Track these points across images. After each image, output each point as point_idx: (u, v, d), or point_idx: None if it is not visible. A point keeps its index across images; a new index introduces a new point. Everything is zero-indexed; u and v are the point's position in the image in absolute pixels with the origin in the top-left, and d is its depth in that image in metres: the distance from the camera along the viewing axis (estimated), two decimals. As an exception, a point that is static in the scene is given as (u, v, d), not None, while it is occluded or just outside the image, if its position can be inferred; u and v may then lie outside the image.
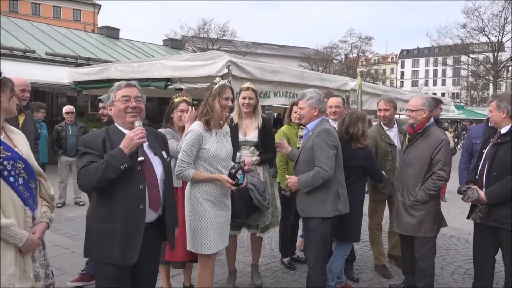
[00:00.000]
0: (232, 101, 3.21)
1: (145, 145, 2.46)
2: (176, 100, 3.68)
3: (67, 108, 7.70)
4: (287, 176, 3.66)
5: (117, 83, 2.56)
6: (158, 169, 2.49)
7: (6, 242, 2.01)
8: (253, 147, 3.90)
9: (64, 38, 16.58)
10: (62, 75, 10.44)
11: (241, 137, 3.87)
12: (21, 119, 3.76)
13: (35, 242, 2.15)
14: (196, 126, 3.12)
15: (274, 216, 4.07)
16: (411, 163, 3.69)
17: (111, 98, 2.50)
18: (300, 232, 5.11)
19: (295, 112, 4.55)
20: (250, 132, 3.90)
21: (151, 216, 2.46)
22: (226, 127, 3.33)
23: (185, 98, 3.68)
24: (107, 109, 2.57)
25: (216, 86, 3.14)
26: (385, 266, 4.61)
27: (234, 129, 3.79)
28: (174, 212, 2.65)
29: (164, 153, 2.58)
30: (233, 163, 3.25)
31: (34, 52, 13.17)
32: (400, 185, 3.77)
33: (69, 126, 7.55)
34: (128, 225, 2.34)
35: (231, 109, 3.30)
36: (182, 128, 3.58)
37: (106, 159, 2.26)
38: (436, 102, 5.40)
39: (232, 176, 3.08)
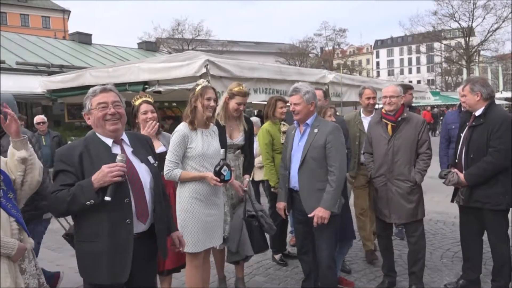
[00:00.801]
0: (215, 101, 3.23)
1: (129, 152, 2.35)
2: (136, 102, 3.46)
3: (38, 118, 7.48)
4: (316, 213, 3.22)
5: (91, 89, 2.36)
6: (146, 177, 2.34)
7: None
8: (239, 150, 3.81)
9: (35, 46, 16.19)
10: (35, 85, 10.18)
11: (228, 140, 3.73)
12: None
13: (23, 248, 2.11)
14: (181, 127, 3.22)
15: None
16: (400, 150, 3.69)
17: (87, 106, 2.31)
18: (289, 228, 5.11)
19: (281, 108, 4.53)
20: (237, 135, 3.80)
21: (140, 227, 2.31)
22: (214, 127, 3.37)
23: (144, 98, 3.49)
24: (85, 118, 2.37)
25: (199, 87, 3.22)
26: (372, 252, 4.71)
27: (223, 131, 3.67)
28: (163, 220, 2.45)
29: (150, 158, 2.43)
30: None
31: (3, 62, 12.81)
32: (389, 175, 3.72)
33: (42, 136, 7.32)
34: (115, 241, 2.18)
35: (214, 109, 3.27)
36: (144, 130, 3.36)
37: (74, 192, 2.10)
38: (405, 88, 5.50)
39: (216, 173, 3.08)
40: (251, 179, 3.95)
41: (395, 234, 5.15)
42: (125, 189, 2.23)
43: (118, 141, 2.34)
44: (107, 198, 2.10)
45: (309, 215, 3.26)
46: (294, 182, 3.41)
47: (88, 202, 2.09)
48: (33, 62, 13.67)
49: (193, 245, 3.15)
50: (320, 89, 4.79)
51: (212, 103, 3.21)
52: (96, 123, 2.30)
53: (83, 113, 2.37)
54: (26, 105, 13.82)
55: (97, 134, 2.33)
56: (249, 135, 3.90)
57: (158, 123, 3.41)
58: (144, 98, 3.48)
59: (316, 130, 3.33)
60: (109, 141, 2.31)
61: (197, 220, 3.16)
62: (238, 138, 3.79)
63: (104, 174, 2.10)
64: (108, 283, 2.20)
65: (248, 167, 3.89)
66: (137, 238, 2.27)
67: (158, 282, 3.49)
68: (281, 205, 3.57)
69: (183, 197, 3.19)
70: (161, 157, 3.22)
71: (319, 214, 3.21)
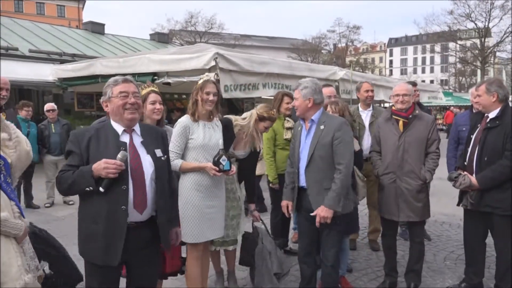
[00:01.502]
0: (214, 95, 3.22)
1: (138, 141, 2.42)
2: (144, 91, 3.34)
3: (48, 105, 7.51)
4: (318, 212, 3.15)
5: (113, 78, 2.45)
6: (149, 169, 2.38)
7: (7, 235, 2.01)
8: (237, 162, 3.73)
9: (48, 34, 16.31)
10: (46, 72, 10.29)
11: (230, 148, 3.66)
12: (2, 118, 3.65)
13: (27, 230, 2.15)
14: (183, 118, 3.26)
15: (232, 234, 3.72)
16: (411, 147, 3.65)
17: (108, 94, 2.40)
18: (292, 225, 5.10)
19: (287, 103, 4.50)
20: (240, 149, 3.73)
21: (137, 216, 2.36)
22: (218, 121, 3.38)
23: (152, 88, 3.38)
24: (103, 106, 2.46)
25: (200, 81, 3.23)
26: (375, 241, 4.94)
27: (230, 128, 3.62)
28: (167, 213, 2.50)
29: (158, 151, 2.46)
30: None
31: (17, 49, 12.94)
32: (399, 173, 3.67)
33: (52, 124, 7.36)
34: (110, 225, 2.28)
35: (215, 103, 3.25)
36: (157, 122, 3.30)
37: (76, 176, 2.24)
38: None
39: (215, 163, 3.09)
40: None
41: (400, 235, 5.12)
42: (125, 176, 2.29)
43: (128, 130, 2.42)
44: (101, 189, 2.22)
45: (311, 214, 3.20)
46: (303, 180, 3.33)
47: (87, 188, 2.22)
48: (45, 50, 13.79)
49: (193, 236, 3.19)
50: (331, 86, 4.75)
51: (211, 97, 3.20)
52: (116, 111, 2.38)
53: (101, 101, 2.46)
54: (37, 92, 13.98)
55: (112, 121, 2.42)
56: (254, 160, 3.83)
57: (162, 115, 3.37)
58: (152, 88, 3.38)
59: (322, 127, 3.23)
60: (120, 129, 2.39)
61: (197, 211, 3.19)
62: (240, 151, 3.69)
63: (101, 168, 2.20)
64: (100, 264, 2.32)
65: (249, 193, 3.86)
66: (135, 226, 2.34)
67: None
68: (285, 203, 3.49)
69: (184, 188, 3.22)
70: None
71: (322, 213, 3.11)
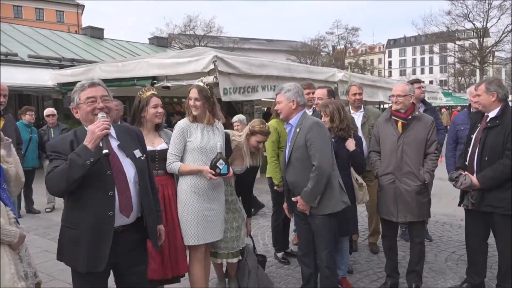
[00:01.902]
0: (197, 100, 3.21)
1: (115, 145, 2.37)
2: (145, 95, 3.30)
3: (48, 110, 7.54)
4: (298, 201, 3.28)
5: (79, 84, 2.37)
6: (130, 171, 2.36)
7: (2, 241, 2.00)
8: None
9: (47, 40, 16.33)
10: (46, 78, 10.29)
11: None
12: (1, 123, 3.67)
13: (23, 237, 2.14)
14: (181, 121, 3.29)
15: (236, 245, 3.65)
16: (410, 148, 3.65)
17: (75, 100, 2.33)
18: (293, 226, 5.09)
19: None
20: (238, 165, 3.64)
21: (124, 220, 2.34)
22: (219, 125, 3.39)
23: (152, 91, 3.35)
24: (73, 112, 2.39)
25: (193, 85, 3.28)
26: (375, 244, 4.93)
27: (228, 141, 3.59)
28: (153, 212, 2.51)
29: (137, 152, 2.44)
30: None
31: (16, 55, 12.94)
32: (398, 174, 3.68)
33: (51, 129, 7.40)
34: (96, 232, 2.23)
35: (198, 108, 3.23)
36: (153, 127, 3.29)
37: (70, 158, 2.12)
38: (411, 84, 5.43)
39: (212, 166, 3.10)
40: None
41: (400, 236, 5.11)
42: (110, 182, 2.26)
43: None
44: (105, 151, 2.13)
45: (293, 199, 3.32)
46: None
47: (88, 161, 2.11)
48: (45, 56, 13.79)
49: (193, 237, 3.19)
50: (325, 88, 4.76)
51: (191, 102, 3.22)
52: (85, 117, 2.33)
53: (71, 107, 2.39)
54: (37, 98, 13.98)
55: (85, 128, 2.33)
56: (252, 176, 3.79)
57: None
58: (153, 91, 3.35)
59: (298, 130, 3.29)
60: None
61: (195, 214, 3.19)
62: (237, 168, 3.60)
63: (92, 131, 2.14)
64: (84, 271, 2.24)
65: (246, 208, 3.80)
66: (122, 230, 2.33)
67: None
68: (285, 205, 3.61)
69: (182, 190, 3.23)
70: (161, 154, 3.23)
71: (299, 205, 3.27)
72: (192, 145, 3.21)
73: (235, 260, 3.67)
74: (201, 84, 3.30)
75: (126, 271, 2.44)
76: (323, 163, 3.15)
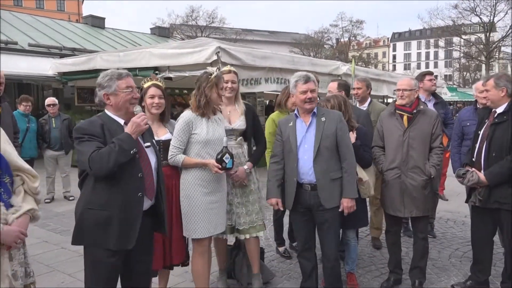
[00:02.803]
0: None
1: None
2: (145, 85, 3.31)
3: (49, 100, 7.49)
4: (344, 205, 3.21)
5: (114, 71, 2.49)
6: (152, 158, 2.58)
7: None
8: (240, 137, 3.67)
9: (48, 28, 16.28)
10: (46, 67, 10.27)
11: (227, 125, 3.59)
12: None
13: (12, 232, 2.05)
14: (186, 113, 3.26)
15: (256, 218, 3.64)
16: (415, 142, 3.64)
17: (113, 87, 2.44)
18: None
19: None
20: (236, 119, 3.66)
21: (145, 204, 2.53)
22: (219, 115, 3.41)
23: (155, 82, 3.33)
24: (104, 98, 2.46)
25: (213, 76, 3.24)
26: (377, 239, 4.95)
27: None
28: (164, 200, 2.70)
29: (153, 141, 2.65)
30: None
31: (16, 43, 12.91)
32: (404, 168, 3.67)
33: (53, 119, 7.34)
34: (127, 212, 2.41)
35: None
36: (157, 117, 3.31)
37: (118, 144, 2.31)
38: (422, 75, 5.38)
39: (218, 160, 3.10)
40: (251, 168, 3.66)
41: (403, 231, 5.09)
42: (139, 165, 2.46)
43: (128, 122, 2.52)
44: (147, 144, 2.51)
45: (340, 210, 3.24)
46: (304, 175, 3.29)
47: (132, 151, 2.37)
48: (45, 44, 13.77)
49: (197, 231, 3.19)
50: (336, 80, 4.71)
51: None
52: (121, 105, 2.47)
53: (103, 93, 2.47)
54: (37, 87, 13.96)
55: (108, 113, 2.49)
56: (252, 120, 3.71)
57: (164, 109, 3.33)
58: (153, 82, 3.33)
59: (323, 119, 3.28)
60: (121, 121, 2.50)
61: (200, 207, 3.19)
62: (237, 122, 3.64)
63: (137, 124, 2.40)
64: (114, 248, 2.40)
65: (255, 154, 3.73)
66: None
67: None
68: (273, 200, 3.41)
69: (186, 183, 3.22)
70: (166, 145, 3.24)
71: (348, 205, 3.22)
72: (197, 138, 3.20)
73: (261, 234, 3.66)
74: (229, 68, 3.45)
75: (135, 259, 2.56)
76: (353, 153, 3.28)
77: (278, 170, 3.41)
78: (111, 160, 2.28)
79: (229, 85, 3.59)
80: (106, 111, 2.52)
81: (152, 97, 3.24)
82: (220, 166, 3.09)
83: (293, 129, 3.35)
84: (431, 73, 5.51)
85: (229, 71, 3.67)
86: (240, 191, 3.59)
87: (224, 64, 6.38)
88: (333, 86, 4.45)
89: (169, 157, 3.18)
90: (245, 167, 3.56)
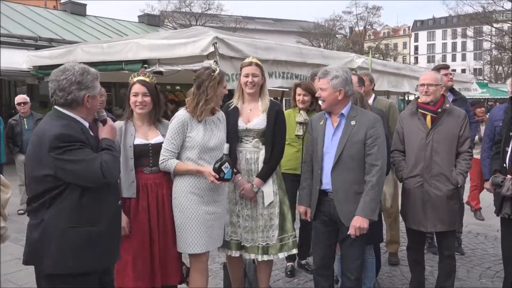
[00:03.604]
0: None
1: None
2: (131, 80, 3.32)
3: (19, 98, 7.48)
4: (353, 224, 3.11)
5: (93, 70, 2.56)
6: None
7: None
8: (257, 139, 3.58)
9: (21, 16, 16.34)
10: (19, 60, 10.29)
11: (241, 124, 3.55)
12: None
13: None
14: (181, 112, 3.25)
15: (286, 235, 3.66)
16: (440, 145, 3.63)
17: (98, 89, 2.57)
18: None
19: (299, 95, 4.50)
20: (254, 118, 3.59)
21: None
22: (220, 114, 3.40)
23: (141, 77, 3.30)
24: (84, 100, 2.50)
25: (216, 73, 3.24)
26: (394, 254, 5.01)
27: (233, 114, 3.58)
28: None
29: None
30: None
31: (-15, 33, 12.98)
32: (427, 176, 3.66)
33: (24, 119, 7.34)
34: (113, 225, 2.55)
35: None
36: (147, 117, 3.31)
37: (115, 149, 2.57)
38: (437, 69, 5.40)
39: (216, 169, 3.09)
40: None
41: (427, 248, 5.09)
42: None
43: (91, 124, 2.67)
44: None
45: (348, 233, 3.14)
46: (326, 183, 3.28)
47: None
48: (18, 34, 13.82)
49: (194, 246, 3.18)
50: (355, 75, 4.73)
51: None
52: (94, 108, 2.59)
53: (85, 94, 2.50)
54: (9, 83, 14.03)
55: (72, 115, 2.50)
56: (274, 119, 3.59)
57: (156, 108, 3.33)
58: (140, 77, 3.31)
59: (353, 122, 3.20)
60: (86, 124, 2.59)
61: (196, 219, 3.18)
62: (253, 121, 3.56)
63: (115, 130, 2.72)
64: (101, 268, 2.57)
65: (267, 168, 3.56)
66: None
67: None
68: (302, 208, 3.49)
69: (179, 191, 3.22)
70: (156, 148, 3.24)
71: (357, 224, 3.09)
72: (192, 141, 3.20)
73: (294, 251, 3.68)
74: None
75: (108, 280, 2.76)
76: (385, 164, 3.19)
77: (308, 173, 3.44)
78: (118, 167, 2.52)
79: (249, 79, 3.54)
80: (66, 111, 2.50)
81: (136, 95, 3.24)
82: (217, 176, 3.08)
83: (323, 130, 3.33)
84: (446, 67, 5.55)
85: (250, 63, 3.60)
86: (251, 202, 3.56)
87: (222, 56, 6.41)
88: (353, 80, 4.45)
89: (160, 162, 3.18)
90: (252, 184, 3.51)
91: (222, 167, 3.09)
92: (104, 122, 2.72)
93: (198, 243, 3.19)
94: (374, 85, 4.99)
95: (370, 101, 4.81)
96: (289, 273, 4.65)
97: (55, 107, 2.50)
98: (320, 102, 3.32)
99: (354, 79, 4.44)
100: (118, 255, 2.67)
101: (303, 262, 4.80)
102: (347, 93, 3.23)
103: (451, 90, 5.36)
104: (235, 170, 3.32)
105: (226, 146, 3.20)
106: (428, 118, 3.72)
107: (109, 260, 2.61)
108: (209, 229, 3.24)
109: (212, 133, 3.26)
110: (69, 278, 2.41)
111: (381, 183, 3.17)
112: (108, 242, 2.53)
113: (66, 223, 2.40)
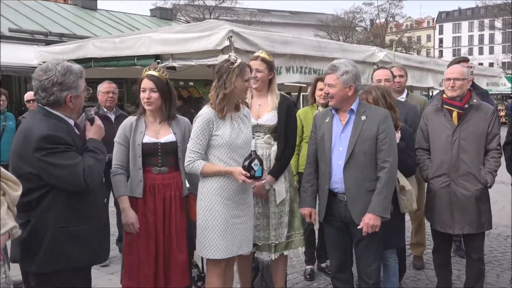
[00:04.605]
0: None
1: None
2: (142, 76, 3.31)
3: (29, 95, 7.56)
4: (365, 222, 3.11)
5: (76, 68, 2.61)
6: None
7: None
8: (269, 135, 3.62)
9: (31, 11, 16.56)
10: (30, 56, 10.41)
11: (252, 120, 3.55)
12: None
13: None
14: (206, 110, 3.20)
15: (293, 232, 3.73)
16: (468, 143, 3.61)
17: (81, 87, 2.61)
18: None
19: (320, 90, 4.43)
20: (264, 114, 3.62)
21: None
22: (246, 110, 3.38)
23: (151, 72, 3.28)
24: (66, 100, 2.56)
25: (235, 65, 3.16)
26: (419, 258, 4.96)
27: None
28: None
29: None
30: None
31: (-5, 29, 13.18)
32: (453, 175, 3.64)
33: (33, 116, 7.45)
34: (101, 222, 2.71)
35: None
36: (159, 114, 3.31)
37: (101, 152, 2.64)
38: (456, 63, 5.35)
39: (246, 168, 3.05)
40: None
41: (454, 251, 5.04)
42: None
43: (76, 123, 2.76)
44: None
45: (358, 227, 3.15)
46: (336, 182, 3.27)
47: (107, 156, 2.73)
48: (29, 30, 14.01)
49: (217, 250, 3.16)
50: (386, 69, 4.68)
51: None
52: (80, 107, 2.67)
53: (67, 95, 2.55)
54: (19, 79, 14.20)
55: (58, 114, 2.57)
56: (285, 115, 3.62)
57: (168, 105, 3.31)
58: (149, 72, 3.29)
59: (363, 118, 3.21)
60: (71, 122, 2.67)
61: (221, 222, 3.15)
62: (264, 117, 3.59)
63: (102, 130, 2.77)
64: (89, 266, 2.76)
65: (279, 165, 3.59)
66: None
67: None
68: (306, 210, 3.45)
69: (205, 193, 3.19)
70: (165, 148, 3.21)
71: (370, 222, 3.10)
72: (219, 140, 3.16)
73: (300, 250, 3.76)
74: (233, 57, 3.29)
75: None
76: (396, 161, 3.20)
77: (312, 174, 3.42)
78: (101, 170, 2.56)
79: (253, 74, 3.53)
80: (51, 110, 2.55)
81: (144, 90, 3.23)
82: (248, 175, 3.03)
83: (329, 127, 3.32)
84: (466, 60, 5.50)
85: (256, 58, 3.63)
86: (263, 199, 3.59)
87: (238, 50, 6.40)
88: (383, 74, 4.41)
89: (186, 164, 3.16)
90: (264, 181, 3.49)
91: (252, 165, 3.04)
92: (91, 122, 2.75)
93: (218, 249, 3.16)
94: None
95: (403, 96, 4.79)
96: (308, 276, 4.66)
97: (39, 105, 2.57)
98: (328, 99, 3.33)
99: (386, 73, 4.41)
100: (107, 251, 2.83)
101: (322, 265, 4.80)
102: (356, 88, 3.24)
103: (472, 84, 5.31)
104: (265, 168, 3.26)
105: (253, 142, 3.19)
106: (454, 114, 3.69)
107: (98, 257, 2.75)
108: (232, 234, 3.20)
109: (239, 130, 3.23)
110: (58, 276, 2.52)
111: (394, 180, 3.22)
112: (97, 239, 2.65)
113: (54, 224, 2.48)
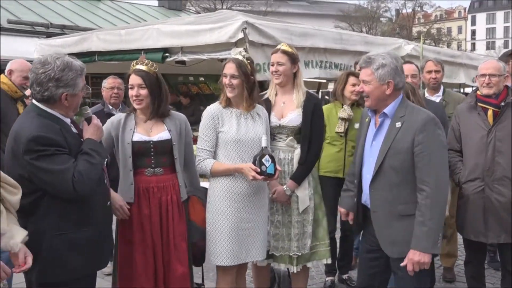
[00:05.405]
0: (234, 78, 3.22)
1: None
2: (130, 70, 3.24)
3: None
4: (409, 257, 2.79)
5: (77, 65, 2.61)
6: None
7: None
8: (291, 137, 3.58)
9: (32, 1, 16.69)
10: (30, 49, 10.52)
11: (274, 120, 3.54)
12: (21, 110, 3.89)
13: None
14: (211, 106, 3.31)
15: (318, 243, 3.72)
16: (504, 144, 3.57)
17: (79, 85, 2.62)
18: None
19: (353, 85, 4.33)
20: (288, 113, 3.57)
21: None
22: (260, 109, 3.39)
23: (138, 66, 3.18)
24: (62, 98, 2.56)
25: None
26: (450, 270, 4.95)
27: (265, 107, 3.56)
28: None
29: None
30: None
31: (-8, 20, 13.33)
32: (488, 179, 3.60)
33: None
34: (102, 227, 2.73)
35: (232, 88, 3.25)
36: (152, 111, 3.21)
37: (96, 154, 2.60)
38: (505, 57, 5.29)
39: (256, 163, 3.05)
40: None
41: (488, 262, 5.00)
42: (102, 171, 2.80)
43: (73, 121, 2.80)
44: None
45: (401, 264, 2.82)
46: (366, 198, 3.09)
47: (107, 159, 2.77)
48: (28, 21, 14.15)
49: (223, 257, 3.20)
50: (412, 63, 4.67)
51: (227, 81, 3.22)
52: (76, 106, 2.70)
53: (63, 93, 2.56)
54: (19, 74, 14.36)
55: (52, 112, 2.59)
56: (311, 115, 3.56)
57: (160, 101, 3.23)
58: (137, 66, 3.19)
59: (399, 124, 2.88)
60: (68, 120, 2.70)
61: (230, 226, 3.19)
62: (287, 117, 3.56)
63: (101, 130, 2.77)
64: (91, 273, 2.77)
65: (301, 170, 3.56)
66: None
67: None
68: (344, 210, 3.39)
69: (214, 195, 3.24)
70: (158, 147, 3.14)
71: (414, 258, 2.77)
72: (225, 136, 3.22)
73: (324, 261, 3.76)
74: (240, 57, 3.27)
75: None
76: (442, 181, 2.84)
77: (351, 175, 3.37)
78: (95, 176, 2.55)
79: (274, 68, 3.55)
80: (45, 108, 2.57)
81: (131, 87, 3.17)
82: (258, 170, 3.04)
83: (365, 130, 3.18)
84: None
85: (276, 50, 3.60)
86: (283, 206, 3.58)
87: (253, 44, 6.41)
88: (408, 69, 4.32)
89: (196, 164, 3.22)
90: (285, 187, 3.49)
91: (263, 160, 3.04)
92: (89, 121, 2.74)
93: (226, 255, 3.20)
94: None
95: (439, 94, 4.76)
96: (350, 283, 4.64)
97: (34, 102, 2.59)
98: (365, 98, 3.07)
99: (411, 68, 4.38)
100: (109, 257, 2.94)
101: (344, 276, 4.77)
102: (397, 85, 2.91)
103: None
104: (279, 168, 3.25)
105: (264, 138, 3.18)
106: (490, 113, 3.67)
107: (100, 262, 2.81)
108: (243, 240, 3.23)
109: (247, 126, 3.26)
110: (61, 286, 2.57)
111: (439, 207, 2.81)
112: (98, 245, 2.70)
113: (51, 232, 2.50)
